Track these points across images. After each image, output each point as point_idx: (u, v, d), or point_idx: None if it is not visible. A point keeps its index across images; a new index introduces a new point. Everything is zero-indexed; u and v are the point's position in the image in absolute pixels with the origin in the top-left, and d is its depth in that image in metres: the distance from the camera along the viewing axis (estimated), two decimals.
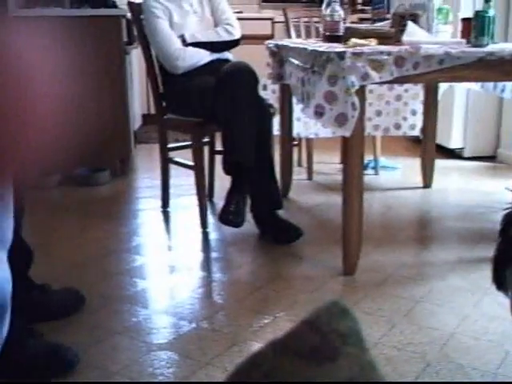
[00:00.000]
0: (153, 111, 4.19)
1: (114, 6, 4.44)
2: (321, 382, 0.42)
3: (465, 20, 3.01)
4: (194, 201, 3.40)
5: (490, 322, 2.32)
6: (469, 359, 2.07)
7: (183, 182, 4.06)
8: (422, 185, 4.11)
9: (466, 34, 2.93)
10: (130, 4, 3.49)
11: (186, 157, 3.49)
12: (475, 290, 2.60)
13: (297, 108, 3.73)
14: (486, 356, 2.09)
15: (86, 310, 2.42)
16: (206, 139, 3.56)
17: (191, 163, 3.32)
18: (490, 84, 3.43)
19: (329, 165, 4.58)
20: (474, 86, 3.69)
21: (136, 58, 5.24)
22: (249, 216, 3.16)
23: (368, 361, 0.47)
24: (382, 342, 2.18)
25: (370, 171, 4.40)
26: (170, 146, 3.61)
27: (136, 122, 5.33)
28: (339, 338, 0.46)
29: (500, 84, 3.34)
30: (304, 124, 3.95)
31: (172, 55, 3.27)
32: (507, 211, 1.17)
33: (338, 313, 0.48)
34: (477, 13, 2.80)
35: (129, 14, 3.74)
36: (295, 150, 4.28)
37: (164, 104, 3.49)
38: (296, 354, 0.44)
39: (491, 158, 4.84)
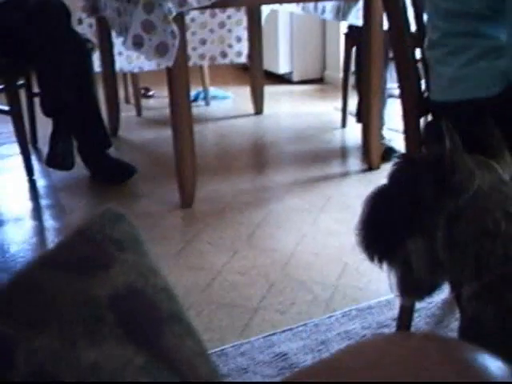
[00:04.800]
0: None
1: None
2: None
3: None
4: (16, 149, 3.16)
5: (328, 237, 2.37)
6: (310, 274, 2.10)
7: (2, 129, 3.76)
8: (253, 112, 4.11)
9: None
10: None
11: (1, 102, 3.22)
12: (312, 208, 2.64)
13: (117, 42, 3.54)
14: (326, 269, 2.13)
15: None
16: (21, 81, 3.30)
17: (7, 108, 3.07)
18: (311, 6, 3.43)
19: (158, 99, 4.44)
20: (296, 9, 3.69)
21: None
22: (78, 159, 2.99)
23: (148, 266, 0.40)
24: (225, 269, 2.16)
25: (200, 102, 4.32)
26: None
27: None
28: (113, 245, 0.39)
29: (320, 5, 3.35)
30: (126, 58, 3.77)
31: None
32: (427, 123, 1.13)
33: (112, 219, 0.40)
34: None
35: None
36: (121, 86, 4.10)
37: None
38: (65, 265, 0.37)
39: (319, 81, 4.93)
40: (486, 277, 0.99)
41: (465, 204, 1.00)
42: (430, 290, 1.11)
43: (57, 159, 2.83)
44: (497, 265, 0.98)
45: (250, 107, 4.13)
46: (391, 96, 3.23)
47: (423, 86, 1.52)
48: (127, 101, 4.34)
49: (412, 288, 1.12)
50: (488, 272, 0.99)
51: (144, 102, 4.29)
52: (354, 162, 3.26)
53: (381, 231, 1.12)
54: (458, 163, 0.98)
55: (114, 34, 3.43)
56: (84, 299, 0.36)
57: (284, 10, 4.30)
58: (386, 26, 2.56)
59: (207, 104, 4.32)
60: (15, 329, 0.33)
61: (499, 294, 0.99)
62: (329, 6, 3.31)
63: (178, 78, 2.53)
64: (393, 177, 1.12)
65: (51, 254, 0.38)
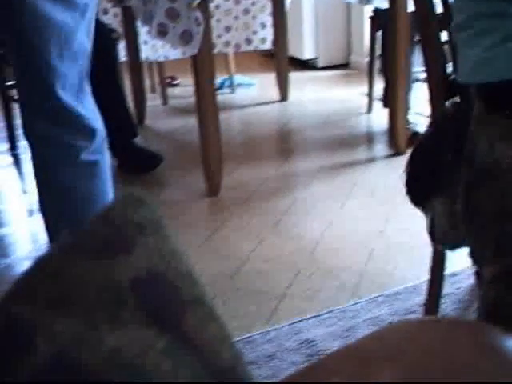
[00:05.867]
0: None
1: None
2: None
3: None
4: None
5: (354, 223, 2.36)
6: (337, 261, 2.09)
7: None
8: (278, 99, 4.09)
9: None
10: None
11: None
12: (338, 195, 2.62)
13: (143, 31, 3.55)
14: (353, 256, 2.12)
15: None
16: None
17: None
18: None
19: (185, 88, 4.45)
20: None
21: None
22: None
23: (170, 249, 0.40)
24: (252, 256, 2.16)
25: (226, 90, 4.32)
26: (11, 83, 3.33)
27: None
28: (135, 229, 0.39)
29: None
30: (152, 47, 3.77)
31: None
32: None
33: (134, 203, 0.40)
34: None
35: None
36: (147, 76, 4.11)
37: None
38: (86, 250, 0.37)
39: (344, 66, 4.90)
40: (506, 260, 0.96)
41: (482, 177, 0.96)
42: (453, 244, 1.10)
43: None
44: None
45: (275, 94, 4.12)
46: (417, 80, 3.20)
47: (449, 69, 1.50)
48: (153, 90, 4.35)
49: (438, 238, 1.12)
50: (507, 257, 0.96)
51: (170, 90, 4.30)
52: (380, 148, 3.23)
53: (413, 182, 1.12)
54: (471, 134, 0.96)
55: (139, 23, 3.44)
56: (105, 283, 0.36)
57: None
58: (411, 8, 2.53)
59: (233, 91, 4.31)
60: (36, 313, 0.33)
61: None
62: None
63: (203, 66, 2.53)
64: (430, 130, 1.11)
65: (73, 239, 0.38)
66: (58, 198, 1.58)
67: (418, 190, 1.10)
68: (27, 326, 0.33)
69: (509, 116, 1.02)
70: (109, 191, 1.61)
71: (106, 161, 1.60)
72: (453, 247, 1.14)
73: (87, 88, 1.55)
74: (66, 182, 1.55)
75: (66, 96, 1.47)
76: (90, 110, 1.54)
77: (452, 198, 1.00)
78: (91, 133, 1.54)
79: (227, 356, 0.40)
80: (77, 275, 0.36)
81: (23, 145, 3.47)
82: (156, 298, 0.37)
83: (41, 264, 0.37)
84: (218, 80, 3.92)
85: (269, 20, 3.96)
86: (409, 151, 3.07)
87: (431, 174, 1.04)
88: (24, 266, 2.20)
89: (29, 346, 0.32)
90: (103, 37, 2.93)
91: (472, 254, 1.05)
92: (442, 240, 1.14)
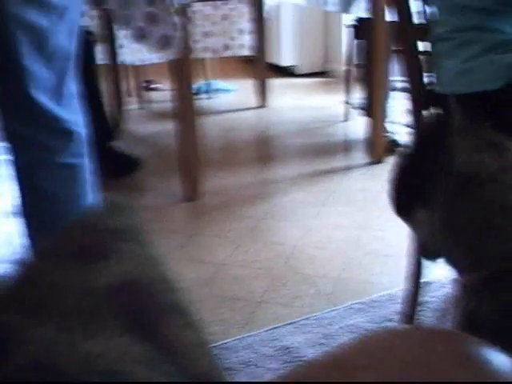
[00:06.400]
0: None
1: None
2: None
3: None
4: None
5: (332, 231, 2.36)
6: (313, 268, 2.09)
7: None
8: (257, 105, 4.09)
9: None
10: None
11: None
12: (316, 202, 2.63)
13: (120, 34, 3.53)
14: (330, 263, 2.12)
15: None
16: None
17: None
18: None
19: (162, 92, 4.43)
20: (299, 1, 3.68)
21: None
22: None
23: (148, 255, 0.40)
24: (228, 262, 2.15)
25: (203, 95, 4.31)
26: None
27: None
28: (113, 235, 0.39)
29: None
30: (129, 51, 3.76)
31: None
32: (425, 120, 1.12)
33: (113, 210, 0.40)
34: None
35: None
36: (124, 79, 4.09)
37: None
38: (64, 256, 0.36)
39: (322, 74, 4.92)
40: (483, 271, 0.97)
41: (461, 187, 0.97)
42: (434, 255, 1.10)
43: None
44: (493, 260, 0.96)
45: (253, 100, 4.12)
46: (394, 89, 3.22)
47: (426, 79, 1.51)
48: (129, 94, 4.33)
49: (421, 248, 1.13)
50: (485, 266, 0.97)
51: (147, 94, 4.28)
52: (358, 156, 3.25)
53: (398, 193, 1.12)
54: (451, 144, 0.97)
55: (116, 26, 3.43)
56: (82, 290, 0.35)
57: (287, 1, 4.29)
58: (389, 18, 2.55)
59: (210, 97, 4.31)
60: (12, 318, 0.33)
61: (496, 290, 0.96)
62: None
63: (181, 71, 2.52)
64: (414, 141, 1.11)
65: (51, 244, 0.38)
66: (36, 200, 1.57)
67: (403, 201, 1.11)
68: (2, 331, 0.32)
69: (489, 127, 1.03)
70: (88, 196, 1.59)
71: (86, 165, 1.58)
72: (434, 258, 1.14)
73: (70, 90, 1.53)
74: (43, 184, 1.54)
75: (41, 97, 1.45)
76: (70, 113, 1.52)
77: (433, 208, 1.01)
78: (68, 135, 1.52)
79: (204, 362, 0.40)
80: (54, 281, 0.35)
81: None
82: (132, 305, 0.37)
83: (18, 270, 0.36)
84: (195, 85, 3.91)
85: (247, 26, 3.97)
86: (386, 159, 3.09)
87: (416, 186, 1.05)
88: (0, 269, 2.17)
89: (3, 350, 0.32)
90: (81, 39, 2.91)
91: (451, 263, 1.06)
92: (423, 251, 1.15)
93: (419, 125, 1.20)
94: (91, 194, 1.59)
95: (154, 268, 0.40)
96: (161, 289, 0.40)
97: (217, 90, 4.40)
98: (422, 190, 1.03)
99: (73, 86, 1.54)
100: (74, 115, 1.53)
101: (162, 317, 0.39)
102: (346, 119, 3.71)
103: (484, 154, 0.97)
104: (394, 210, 1.13)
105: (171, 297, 0.40)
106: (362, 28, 3.38)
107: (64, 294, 0.35)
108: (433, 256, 1.12)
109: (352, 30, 3.53)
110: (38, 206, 1.57)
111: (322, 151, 3.26)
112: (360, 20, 3.40)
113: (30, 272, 0.36)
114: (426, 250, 1.13)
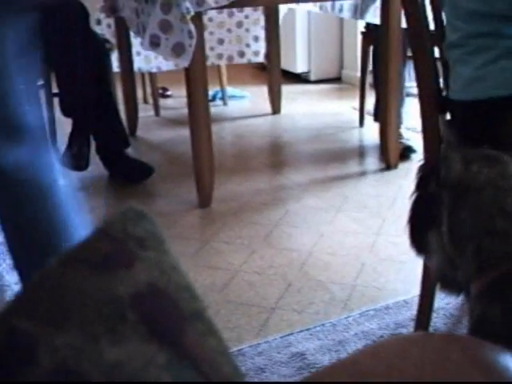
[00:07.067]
0: None
1: None
2: None
3: None
4: None
5: (346, 237, 2.37)
6: (327, 274, 2.10)
7: None
8: (271, 111, 4.10)
9: None
10: None
11: None
12: (329, 208, 2.63)
13: (135, 42, 3.56)
14: (344, 269, 2.12)
15: None
16: (40, 82, 3.32)
17: None
18: (328, 4, 3.42)
19: (177, 99, 4.45)
20: (314, 8, 3.68)
21: None
22: (97, 158, 3.01)
23: (170, 264, 0.41)
24: (242, 268, 2.16)
25: (218, 102, 4.33)
26: None
27: None
28: (135, 243, 0.40)
29: (337, 4, 3.34)
30: (145, 58, 3.78)
31: None
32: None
33: (134, 217, 0.41)
34: None
35: None
36: (139, 87, 4.12)
37: None
38: (86, 264, 0.37)
39: (336, 80, 4.92)
40: (488, 275, 0.98)
41: (458, 197, 1.00)
42: (457, 287, 1.10)
43: (71, 159, 2.85)
44: (498, 263, 0.98)
45: (267, 107, 4.13)
46: (409, 95, 3.22)
47: (441, 85, 1.51)
48: (145, 101, 4.36)
49: (443, 283, 1.13)
50: (490, 270, 0.98)
51: (162, 101, 4.31)
52: (372, 162, 3.25)
53: (416, 233, 1.14)
54: (448, 159, 1.00)
55: (132, 34, 3.45)
56: (106, 297, 0.36)
57: (301, 8, 4.30)
58: (403, 24, 2.55)
59: (225, 104, 4.33)
60: (37, 326, 0.34)
61: (503, 292, 0.98)
62: (346, 4, 3.29)
63: (196, 78, 2.54)
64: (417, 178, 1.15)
65: (73, 252, 0.39)
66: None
67: (421, 240, 1.13)
68: (28, 339, 0.33)
69: (484, 144, 1.06)
70: (66, 221, 1.40)
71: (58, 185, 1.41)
72: (453, 293, 1.14)
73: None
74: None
75: None
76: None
77: (440, 227, 1.04)
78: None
79: (227, 369, 0.40)
80: (77, 289, 0.36)
81: None
82: (156, 313, 0.37)
83: (42, 278, 0.37)
84: (211, 92, 3.93)
85: (262, 33, 3.98)
86: (401, 165, 3.08)
87: (430, 222, 1.07)
88: None
89: (30, 358, 0.33)
90: (96, 47, 2.94)
91: (459, 272, 1.07)
92: (443, 287, 1.15)
93: (430, 156, 1.24)
94: (79, 221, 1.42)
95: (177, 276, 0.41)
96: (184, 297, 0.40)
97: (231, 97, 4.41)
98: (430, 215, 1.06)
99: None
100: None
101: (186, 324, 0.39)
102: (360, 125, 3.71)
103: (479, 164, 1.01)
104: (414, 250, 1.16)
105: (193, 305, 0.41)
106: (371, 34, 3.39)
107: (88, 302, 0.36)
108: (453, 290, 1.12)
109: (366, 36, 3.54)
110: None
111: (336, 157, 3.26)
112: (369, 26, 3.41)
113: (53, 280, 0.37)
114: (445, 284, 1.14)
